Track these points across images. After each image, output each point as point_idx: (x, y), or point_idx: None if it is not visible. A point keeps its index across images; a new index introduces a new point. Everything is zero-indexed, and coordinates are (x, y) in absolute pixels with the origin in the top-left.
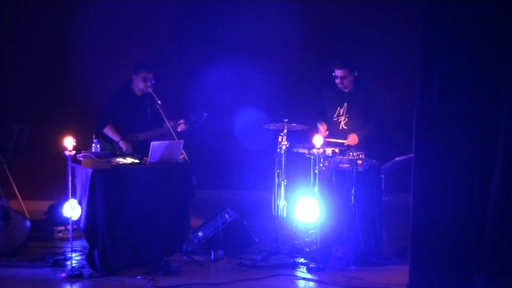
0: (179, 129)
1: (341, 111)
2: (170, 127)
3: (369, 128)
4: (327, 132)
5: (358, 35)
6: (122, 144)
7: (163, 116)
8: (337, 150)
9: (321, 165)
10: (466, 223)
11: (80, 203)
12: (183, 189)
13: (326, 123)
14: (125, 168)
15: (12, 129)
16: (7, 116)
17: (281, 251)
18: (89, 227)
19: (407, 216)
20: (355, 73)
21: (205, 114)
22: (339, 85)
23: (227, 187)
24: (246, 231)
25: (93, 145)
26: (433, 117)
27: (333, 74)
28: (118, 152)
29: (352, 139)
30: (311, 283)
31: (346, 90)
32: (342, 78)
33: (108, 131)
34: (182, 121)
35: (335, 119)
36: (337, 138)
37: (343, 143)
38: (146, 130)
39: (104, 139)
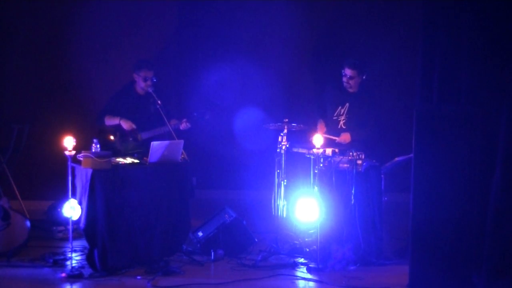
0: (182, 128)
1: (342, 110)
2: (170, 127)
3: (365, 132)
4: (324, 129)
5: (358, 35)
6: (123, 123)
7: (163, 116)
8: (337, 150)
9: (321, 165)
10: (466, 223)
11: (80, 203)
12: (183, 189)
13: (326, 121)
14: (125, 168)
15: (12, 129)
16: (7, 116)
17: (281, 251)
18: (89, 227)
19: (407, 216)
20: (363, 77)
21: (209, 112)
22: (345, 84)
23: (227, 187)
24: (246, 231)
25: (93, 145)
26: (433, 117)
27: (342, 72)
28: (131, 139)
29: (345, 137)
30: (311, 283)
31: (350, 90)
32: (350, 77)
33: (108, 120)
34: (185, 119)
35: (334, 118)
36: (334, 136)
37: (335, 140)
38: (148, 129)
39: (107, 137)
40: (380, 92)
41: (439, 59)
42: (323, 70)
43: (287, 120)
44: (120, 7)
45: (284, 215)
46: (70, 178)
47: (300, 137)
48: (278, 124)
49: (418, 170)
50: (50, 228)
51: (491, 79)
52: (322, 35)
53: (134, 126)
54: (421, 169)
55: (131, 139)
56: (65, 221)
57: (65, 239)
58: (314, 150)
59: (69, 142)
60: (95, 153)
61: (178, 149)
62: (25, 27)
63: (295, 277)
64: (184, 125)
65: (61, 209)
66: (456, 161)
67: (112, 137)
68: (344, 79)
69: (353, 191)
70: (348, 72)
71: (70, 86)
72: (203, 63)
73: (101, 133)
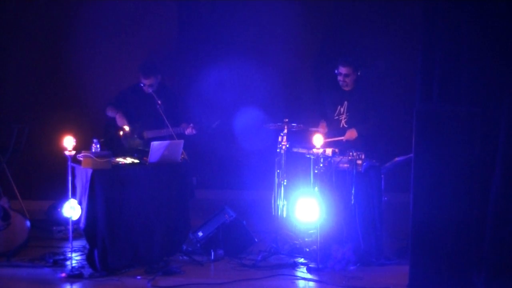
0: (186, 132)
1: (342, 109)
2: (171, 129)
3: (369, 125)
4: (326, 129)
5: (358, 35)
6: (118, 118)
7: (163, 116)
8: (337, 150)
9: (321, 165)
10: (466, 223)
11: (80, 203)
12: (183, 189)
13: (327, 122)
14: (125, 168)
15: (12, 129)
16: (7, 116)
17: (281, 251)
18: (89, 227)
19: (407, 216)
20: (358, 73)
21: (217, 121)
22: (340, 82)
23: (227, 187)
24: (246, 231)
25: (93, 145)
26: (433, 117)
27: (337, 71)
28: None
29: (351, 133)
30: (311, 283)
31: (347, 89)
32: (345, 75)
33: (109, 111)
34: (191, 125)
35: (336, 118)
36: (338, 136)
37: (342, 139)
38: (155, 128)
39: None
40: (380, 91)
41: (439, 59)
42: (323, 70)
43: (287, 120)
44: (120, 7)
45: (284, 215)
46: (70, 178)
47: (300, 137)
48: (278, 124)
49: (418, 170)
50: (50, 228)
51: (491, 79)
52: (322, 35)
53: (126, 125)
54: (421, 169)
55: (136, 135)
56: (65, 221)
57: (65, 239)
58: (314, 150)
59: (69, 142)
60: (95, 153)
61: (178, 149)
62: (25, 27)
63: (295, 277)
64: (189, 130)
65: (61, 209)
66: (456, 161)
67: (119, 132)
68: (340, 77)
69: (353, 191)
70: (343, 70)
71: (70, 86)
72: (203, 63)
73: (108, 127)
